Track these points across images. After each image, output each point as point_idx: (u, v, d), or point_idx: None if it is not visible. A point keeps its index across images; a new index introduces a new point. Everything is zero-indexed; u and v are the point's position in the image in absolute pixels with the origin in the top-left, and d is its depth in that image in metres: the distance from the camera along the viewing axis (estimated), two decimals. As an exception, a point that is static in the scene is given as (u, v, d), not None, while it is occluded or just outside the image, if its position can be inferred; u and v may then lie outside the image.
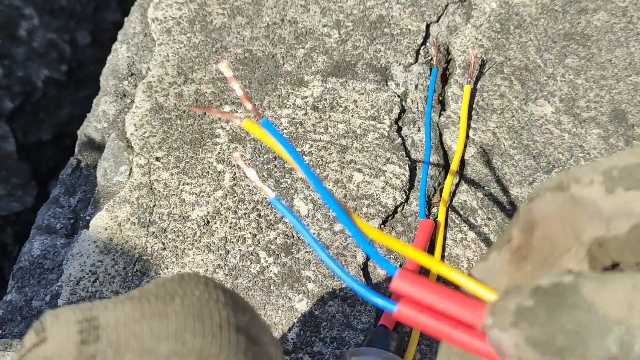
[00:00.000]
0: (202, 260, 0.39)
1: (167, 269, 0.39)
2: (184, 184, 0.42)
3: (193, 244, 0.39)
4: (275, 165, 0.42)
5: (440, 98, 0.46)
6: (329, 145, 0.43)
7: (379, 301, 0.20)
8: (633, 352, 0.15)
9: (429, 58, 0.48)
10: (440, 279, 0.38)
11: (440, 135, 0.44)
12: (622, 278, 0.16)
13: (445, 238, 0.39)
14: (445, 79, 0.47)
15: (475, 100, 0.45)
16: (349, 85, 0.46)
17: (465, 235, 0.39)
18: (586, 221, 0.18)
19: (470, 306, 0.19)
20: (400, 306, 0.20)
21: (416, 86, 0.46)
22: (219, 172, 0.42)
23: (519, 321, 0.16)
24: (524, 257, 0.20)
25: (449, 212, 0.41)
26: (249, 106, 0.21)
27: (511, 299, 0.17)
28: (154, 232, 0.40)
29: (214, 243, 0.39)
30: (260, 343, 0.20)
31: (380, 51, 0.48)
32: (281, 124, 0.44)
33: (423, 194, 0.40)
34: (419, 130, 0.44)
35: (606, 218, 0.18)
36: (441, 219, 0.40)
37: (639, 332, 0.15)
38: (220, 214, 0.40)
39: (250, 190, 0.41)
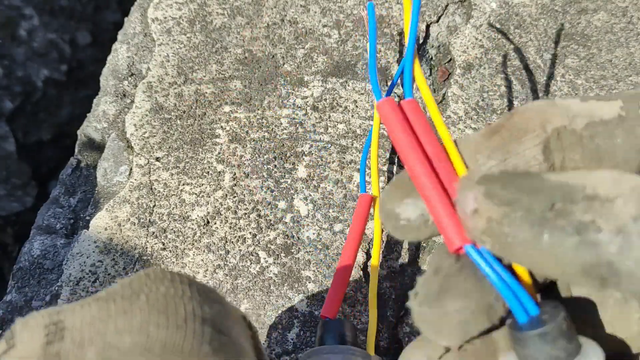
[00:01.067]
0: (202, 260, 0.39)
1: (167, 269, 0.39)
2: (184, 184, 0.42)
3: (193, 244, 0.39)
4: (275, 166, 0.42)
5: (440, 98, 0.46)
6: (329, 145, 0.43)
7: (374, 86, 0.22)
8: (576, 204, 0.18)
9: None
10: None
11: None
12: (597, 172, 0.19)
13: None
14: (445, 79, 0.47)
15: (476, 101, 0.45)
16: (349, 86, 0.46)
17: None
18: (556, 115, 0.22)
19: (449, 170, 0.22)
20: (388, 100, 0.22)
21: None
22: (219, 172, 0.42)
23: (484, 181, 0.20)
24: (496, 132, 0.23)
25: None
26: None
27: (482, 168, 0.21)
28: (154, 232, 0.40)
29: (214, 243, 0.39)
30: (229, 334, 0.20)
31: (380, 51, 0.48)
32: (281, 124, 0.44)
33: (363, 168, 0.38)
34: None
35: (572, 115, 0.22)
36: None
37: (580, 192, 0.18)
38: (220, 214, 0.40)
39: (251, 190, 0.41)
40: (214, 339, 0.19)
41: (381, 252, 0.39)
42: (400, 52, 0.47)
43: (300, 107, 0.45)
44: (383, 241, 0.39)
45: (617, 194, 0.18)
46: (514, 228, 0.19)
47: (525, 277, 0.22)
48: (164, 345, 0.18)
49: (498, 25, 0.48)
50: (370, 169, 0.39)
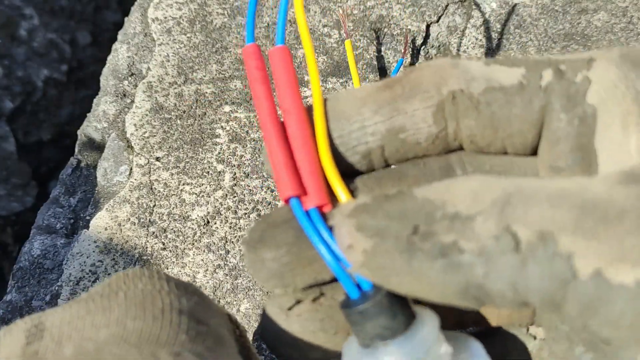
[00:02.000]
0: (202, 260, 0.39)
1: (167, 268, 0.39)
2: (184, 184, 0.42)
3: (193, 244, 0.39)
4: (276, 165, 0.42)
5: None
6: (329, 145, 0.43)
7: None
8: (438, 223, 0.17)
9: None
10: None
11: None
12: (456, 184, 0.18)
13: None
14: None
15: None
16: (349, 85, 0.46)
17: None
18: (454, 77, 0.20)
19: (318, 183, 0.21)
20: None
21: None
22: (219, 172, 0.42)
23: (355, 213, 0.19)
24: (389, 86, 0.21)
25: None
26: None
27: (357, 200, 0.19)
28: (154, 232, 0.40)
29: (214, 243, 0.39)
30: (207, 324, 0.20)
31: (380, 51, 0.48)
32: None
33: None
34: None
35: (470, 78, 0.20)
36: None
37: (441, 210, 0.17)
38: (220, 214, 0.40)
39: (251, 190, 0.41)
40: (191, 328, 0.19)
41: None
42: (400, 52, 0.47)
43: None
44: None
45: (477, 211, 0.17)
46: (386, 258, 0.18)
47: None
48: (140, 335, 0.18)
49: (498, 26, 0.48)
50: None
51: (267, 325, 0.23)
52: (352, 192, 0.21)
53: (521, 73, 0.20)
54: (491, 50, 0.47)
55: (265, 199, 0.41)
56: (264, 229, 0.21)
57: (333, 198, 0.21)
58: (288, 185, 0.21)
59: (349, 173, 0.22)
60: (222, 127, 0.44)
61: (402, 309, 0.20)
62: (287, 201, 0.21)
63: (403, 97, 0.21)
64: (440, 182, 0.18)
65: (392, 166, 0.22)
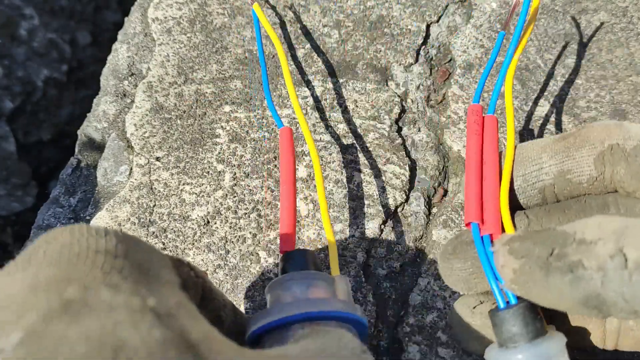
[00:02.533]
0: (202, 260, 0.39)
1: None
2: (184, 184, 0.42)
3: (193, 243, 0.39)
4: (276, 165, 0.42)
5: (440, 98, 0.46)
6: (329, 145, 0.43)
7: None
8: (569, 247, 0.22)
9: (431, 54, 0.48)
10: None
11: (441, 135, 0.44)
12: (587, 220, 0.24)
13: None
14: (445, 79, 0.47)
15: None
16: (349, 86, 0.46)
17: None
18: (615, 134, 0.27)
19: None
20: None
21: (417, 86, 0.46)
22: (219, 172, 0.42)
23: (508, 241, 0.25)
24: (564, 138, 0.28)
25: (451, 214, 0.41)
26: None
27: (514, 232, 0.27)
28: (154, 232, 0.40)
29: (214, 243, 0.39)
30: (127, 258, 0.19)
31: (380, 51, 0.48)
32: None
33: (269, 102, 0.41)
34: (419, 130, 0.44)
35: (627, 136, 0.26)
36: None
37: (572, 237, 0.23)
38: (220, 214, 0.40)
39: (251, 190, 0.41)
40: (106, 263, 0.19)
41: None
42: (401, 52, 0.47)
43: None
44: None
45: (599, 237, 0.22)
46: (529, 275, 0.23)
47: None
48: (50, 280, 0.18)
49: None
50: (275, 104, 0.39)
51: (454, 319, 0.31)
52: (525, 220, 0.29)
53: None
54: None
55: (265, 198, 0.41)
56: (456, 245, 0.29)
57: (502, 229, 0.28)
58: (472, 213, 0.29)
59: (527, 204, 0.29)
60: (222, 127, 0.44)
61: (534, 322, 0.26)
62: (468, 225, 0.29)
63: (574, 147, 0.27)
64: (579, 220, 0.24)
65: (559, 201, 0.29)
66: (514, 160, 0.29)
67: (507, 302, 0.27)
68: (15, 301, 0.17)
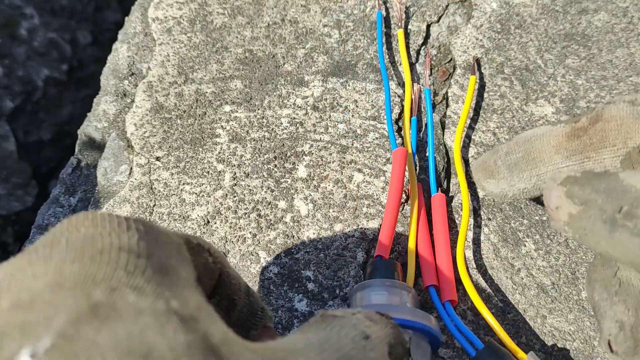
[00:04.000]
0: (202, 260, 0.39)
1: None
2: (184, 184, 0.42)
3: (193, 243, 0.39)
4: (276, 165, 0.42)
5: (440, 98, 0.46)
6: (329, 145, 0.43)
7: None
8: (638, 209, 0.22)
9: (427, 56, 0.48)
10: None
11: (442, 135, 0.44)
12: None
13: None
14: (445, 79, 0.47)
15: (476, 101, 0.45)
16: (349, 85, 0.46)
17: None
18: (638, 133, 0.26)
19: None
20: None
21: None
22: (219, 172, 0.42)
23: (565, 182, 0.24)
24: (578, 136, 0.28)
25: (452, 214, 0.41)
26: None
27: (563, 169, 0.27)
28: (154, 232, 0.40)
29: (214, 243, 0.39)
30: (149, 257, 0.19)
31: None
32: (281, 123, 0.44)
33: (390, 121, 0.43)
34: (419, 130, 0.44)
35: None
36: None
37: None
38: (220, 214, 0.40)
39: (251, 190, 0.41)
40: (130, 263, 0.19)
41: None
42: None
43: (300, 107, 0.45)
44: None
45: None
46: (589, 223, 0.23)
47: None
48: (75, 278, 0.17)
49: (498, 26, 0.48)
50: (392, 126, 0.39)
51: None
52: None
53: None
54: (491, 50, 0.47)
55: (265, 198, 0.41)
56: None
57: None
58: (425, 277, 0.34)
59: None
60: (222, 126, 0.44)
61: (504, 357, 0.29)
62: (426, 288, 0.34)
63: (591, 147, 0.27)
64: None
65: None
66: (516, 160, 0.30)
67: (476, 349, 0.30)
68: (41, 299, 0.17)
